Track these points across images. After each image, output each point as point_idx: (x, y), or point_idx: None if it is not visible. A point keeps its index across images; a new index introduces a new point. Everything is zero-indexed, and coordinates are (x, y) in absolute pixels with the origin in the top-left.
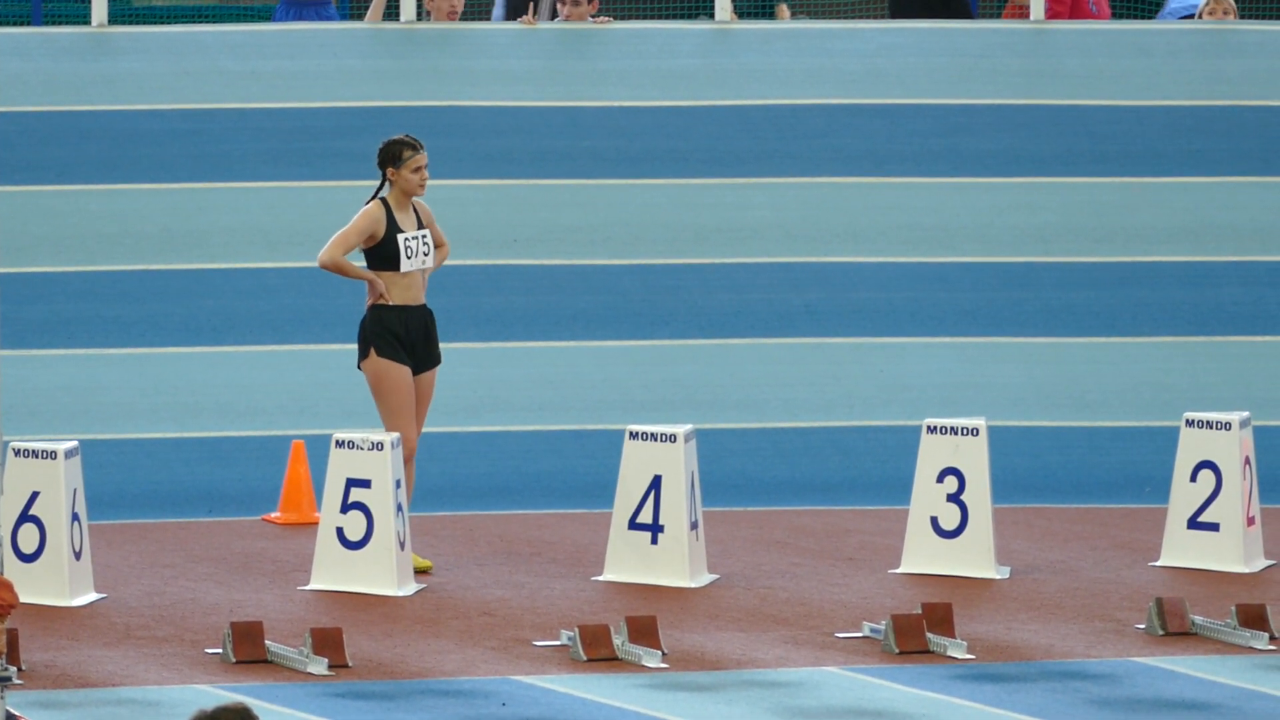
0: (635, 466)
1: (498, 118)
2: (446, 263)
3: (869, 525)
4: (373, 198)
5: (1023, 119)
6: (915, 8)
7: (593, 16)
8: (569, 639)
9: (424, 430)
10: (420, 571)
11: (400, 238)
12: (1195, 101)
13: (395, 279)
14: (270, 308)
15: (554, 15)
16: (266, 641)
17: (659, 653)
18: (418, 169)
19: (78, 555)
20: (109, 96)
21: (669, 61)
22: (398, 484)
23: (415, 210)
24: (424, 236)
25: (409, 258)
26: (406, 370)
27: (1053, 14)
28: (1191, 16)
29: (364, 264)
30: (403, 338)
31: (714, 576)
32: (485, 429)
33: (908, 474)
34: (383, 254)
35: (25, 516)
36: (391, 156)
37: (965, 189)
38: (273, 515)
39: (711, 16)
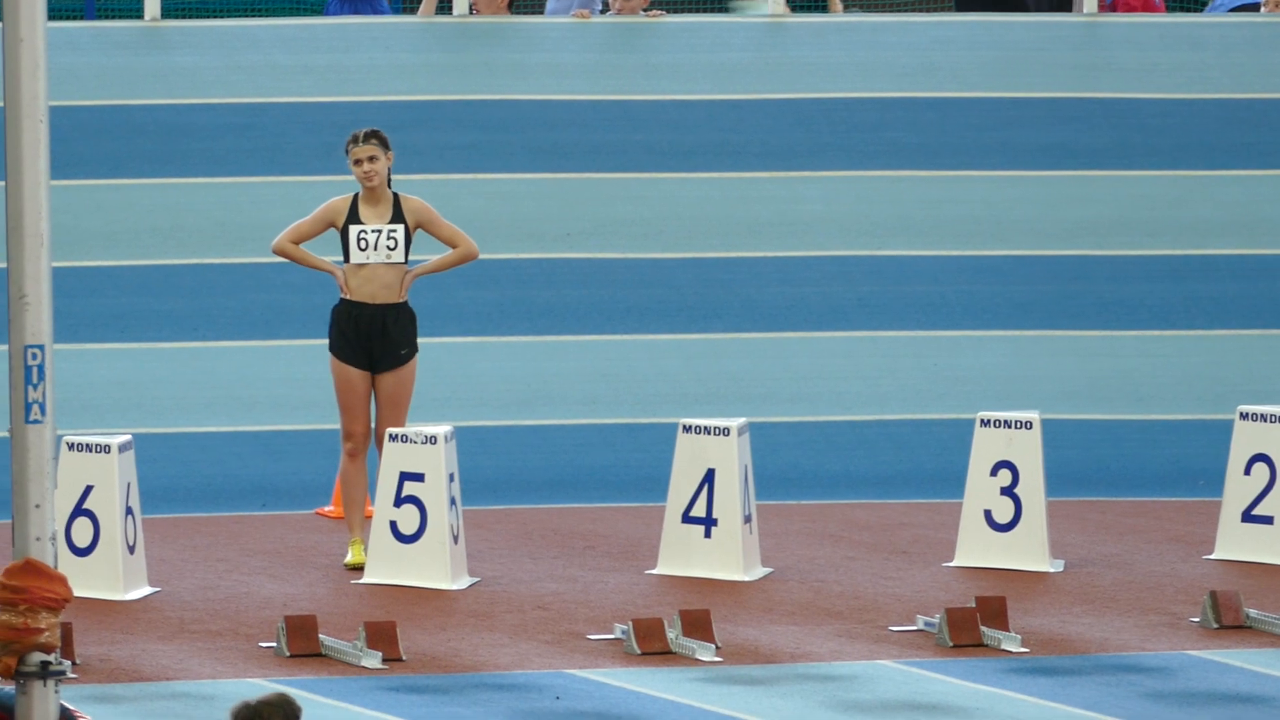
0: (688, 460)
1: (550, 111)
2: (498, 256)
3: (923, 519)
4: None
5: (1075, 112)
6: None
7: (645, 10)
8: (623, 632)
9: (475, 424)
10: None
11: (354, 229)
12: (1248, 94)
13: (352, 272)
14: (324, 301)
15: (605, 9)
16: (320, 635)
17: (713, 646)
18: (357, 161)
19: (131, 549)
20: (162, 91)
21: (722, 55)
22: (451, 477)
23: (399, 206)
24: (391, 231)
25: (361, 249)
26: (352, 371)
27: (1125, 6)
28: (1245, 8)
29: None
30: (351, 334)
31: (767, 570)
32: (538, 423)
33: (961, 467)
34: (343, 245)
35: (79, 510)
36: (345, 149)
37: (1018, 182)
38: (326, 509)
39: (765, 10)
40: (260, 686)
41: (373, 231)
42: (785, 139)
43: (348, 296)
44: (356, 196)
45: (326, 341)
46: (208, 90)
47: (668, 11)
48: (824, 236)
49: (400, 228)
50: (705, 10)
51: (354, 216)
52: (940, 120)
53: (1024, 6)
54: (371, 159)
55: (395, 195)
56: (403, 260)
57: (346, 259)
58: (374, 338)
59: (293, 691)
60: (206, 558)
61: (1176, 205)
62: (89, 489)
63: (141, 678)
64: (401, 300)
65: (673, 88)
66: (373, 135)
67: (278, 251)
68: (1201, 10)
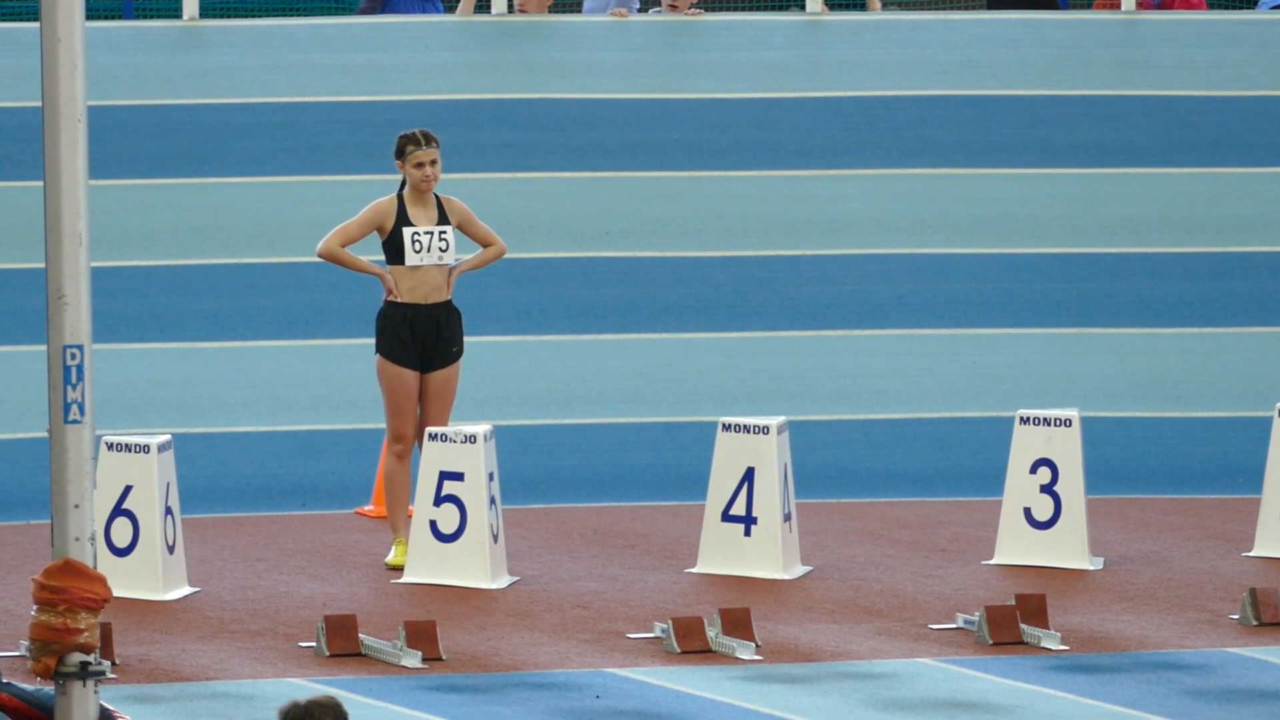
0: (728, 458)
1: (589, 110)
2: (537, 255)
3: (962, 516)
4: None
5: (1114, 110)
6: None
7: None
8: (663, 631)
9: (514, 423)
10: (395, 568)
11: (408, 231)
12: None
13: (404, 274)
14: (362, 301)
15: (644, 7)
16: (360, 635)
17: (753, 645)
18: (420, 164)
19: (171, 549)
20: (200, 90)
21: (760, 53)
22: (490, 476)
23: (441, 206)
24: (441, 232)
25: (416, 252)
26: (405, 373)
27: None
28: None
29: (383, 258)
30: (406, 336)
31: (807, 568)
32: (578, 421)
33: (1001, 465)
34: (391, 247)
35: (118, 510)
36: (398, 150)
37: (1057, 180)
38: (366, 508)
39: (803, 8)
40: (300, 686)
41: (425, 233)
42: (824, 137)
43: (397, 299)
44: (402, 198)
45: (372, 342)
46: (246, 90)
47: (706, 10)
48: (863, 234)
49: (450, 229)
50: (744, 9)
51: (404, 218)
52: (979, 118)
53: (1055, 4)
54: (433, 162)
55: (436, 196)
56: (453, 261)
57: (394, 261)
58: (428, 338)
59: (333, 691)
60: (246, 557)
61: (1215, 202)
62: (128, 489)
63: (181, 678)
64: (449, 299)
65: (711, 86)
66: (434, 138)
67: (325, 255)
68: (1245, 8)
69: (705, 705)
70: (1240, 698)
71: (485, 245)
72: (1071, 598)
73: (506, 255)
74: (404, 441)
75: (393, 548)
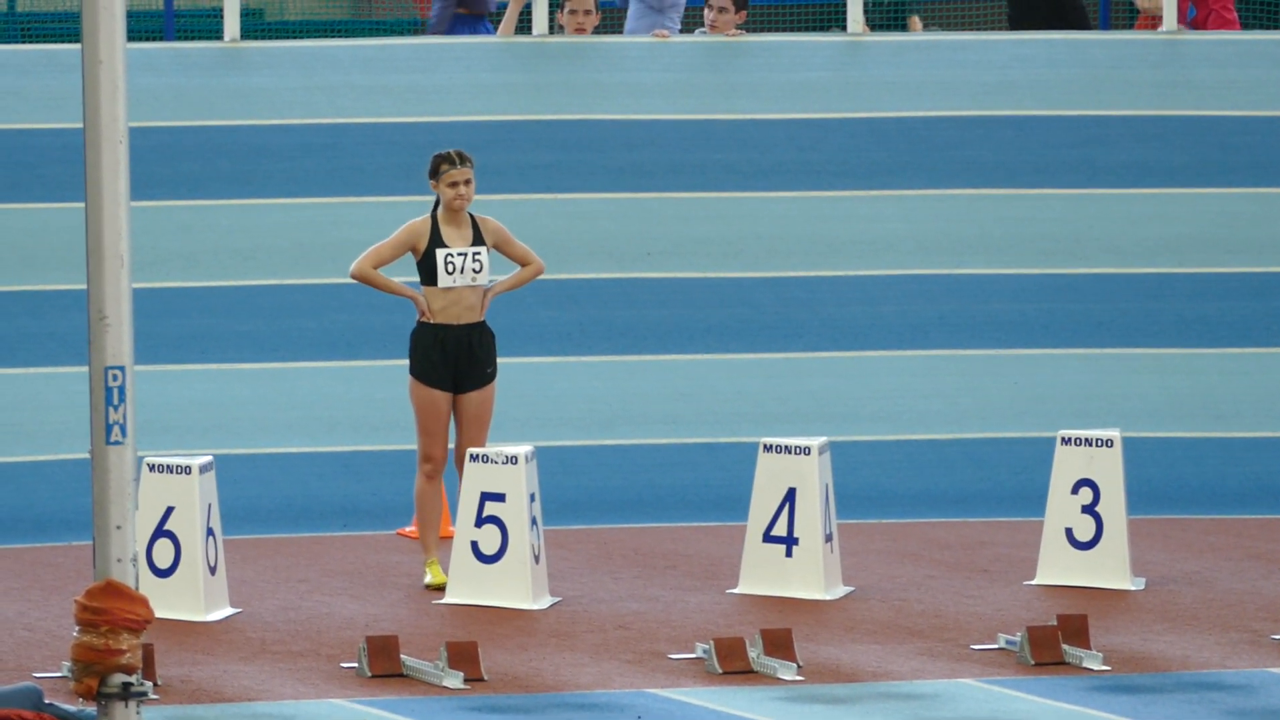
0: (769, 479)
1: (630, 131)
2: (578, 276)
3: (1003, 537)
4: (432, 210)
5: (1155, 130)
6: (1033, 21)
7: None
8: (704, 652)
9: (556, 444)
10: (435, 588)
11: (441, 253)
12: None
13: (437, 294)
14: (403, 321)
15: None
16: (402, 655)
17: (794, 665)
18: (453, 184)
19: (212, 570)
20: (241, 111)
21: (801, 74)
22: (532, 497)
23: (476, 226)
24: (475, 254)
25: (449, 273)
26: (436, 394)
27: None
28: None
29: (418, 279)
30: (437, 357)
31: (849, 589)
32: (619, 442)
33: (1042, 485)
34: (425, 268)
35: (160, 531)
36: (432, 169)
37: (1098, 200)
38: (407, 529)
39: (844, 29)
40: (341, 707)
41: (459, 254)
42: (865, 158)
43: (429, 320)
44: (435, 218)
45: (407, 364)
46: (287, 111)
47: (747, 31)
48: (904, 255)
49: (484, 249)
50: (785, 30)
51: (438, 240)
52: (1020, 138)
53: (1082, 21)
54: (467, 181)
55: (471, 216)
56: (486, 282)
57: (428, 282)
58: (461, 358)
59: (374, 713)
60: (288, 578)
61: (1256, 222)
62: (170, 510)
63: (223, 698)
64: (483, 319)
65: (752, 107)
66: (468, 157)
67: (357, 277)
68: None
69: None
70: None
71: (523, 264)
72: (1113, 618)
73: (547, 276)
74: (433, 462)
75: (426, 569)
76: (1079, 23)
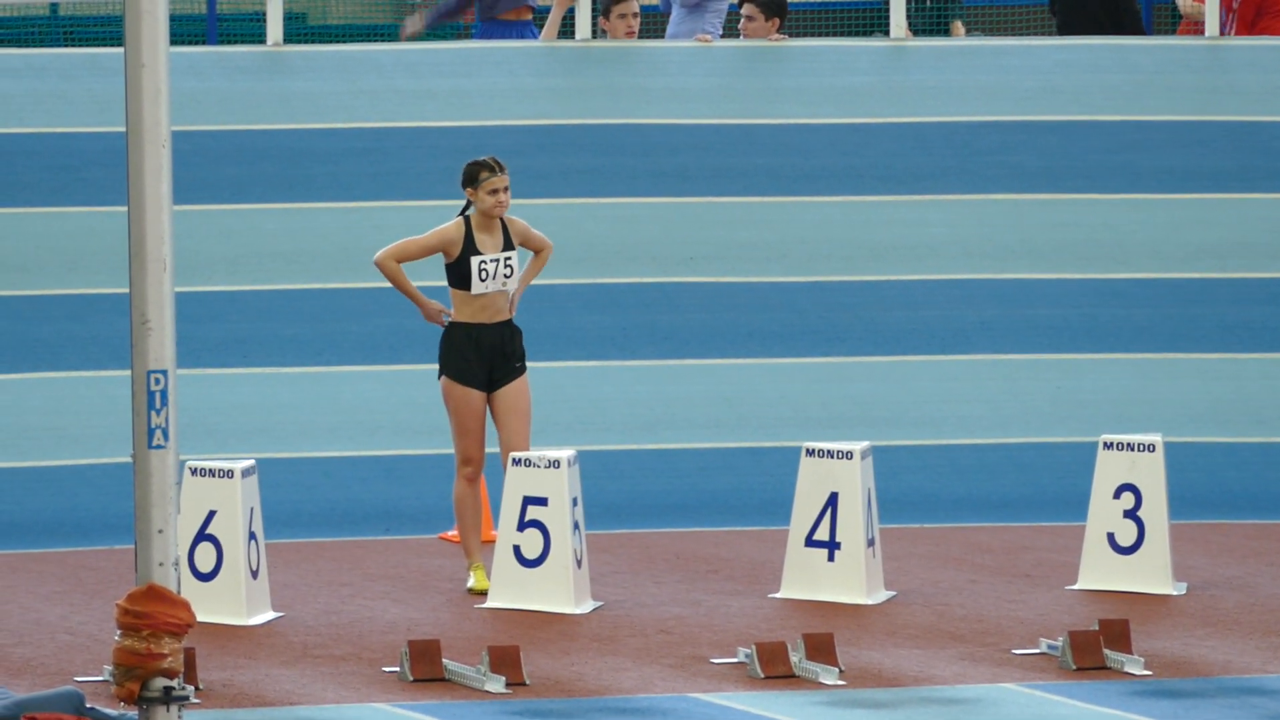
0: (812, 483)
1: (673, 135)
2: (621, 280)
3: (1045, 542)
4: (460, 214)
5: (1198, 135)
6: (1085, 26)
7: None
8: (746, 656)
9: (598, 448)
10: (478, 593)
11: (475, 260)
12: None
13: (467, 299)
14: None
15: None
16: (444, 660)
17: (836, 670)
18: (494, 191)
19: (254, 574)
20: (284, 115)
21: (844, 79)
22: (574, 501)
23: (505, 230)
24: (507, 259)
25: (482, 280)
26: (470, 392)
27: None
28: None
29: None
30: (472, 356)
31: (891, 593)
32: (662, 446)
33: (1084, 490)
34: (457, 273)
35: (202, 535)
36: (469, 177)
37: (1140, 205)
38: (449, 533)
39: (887, 34)
40: (384, 711)
41: (492, 261)
42: (908, 162)
43: (444, 324)
44: (469, 224)
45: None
46: (330, 115)
47: (790, 36)
48: (947, 260)
49: (514, 253)
50: (828, 34)
51: (472, 247)
52: (1063, 144)
53: (1136, 26)
54: (507, 189)
55: (500, 220)
56: (515, 285)
57: (459, 286)
58: (495, 356)
59: (416, 717)
60: (330, 582)
61: None
62: (212, 514)
63: (265, 703)
64: (511, 318)
65: (795, 111)
66: (504, 165)
67: (379, 265)
68: None
69: None
70: None
71: (537, 251)
72: (1155, 623)
73: (589, 280)
74: (473, 464)
75: (470, 573)
76: (1133, 27)
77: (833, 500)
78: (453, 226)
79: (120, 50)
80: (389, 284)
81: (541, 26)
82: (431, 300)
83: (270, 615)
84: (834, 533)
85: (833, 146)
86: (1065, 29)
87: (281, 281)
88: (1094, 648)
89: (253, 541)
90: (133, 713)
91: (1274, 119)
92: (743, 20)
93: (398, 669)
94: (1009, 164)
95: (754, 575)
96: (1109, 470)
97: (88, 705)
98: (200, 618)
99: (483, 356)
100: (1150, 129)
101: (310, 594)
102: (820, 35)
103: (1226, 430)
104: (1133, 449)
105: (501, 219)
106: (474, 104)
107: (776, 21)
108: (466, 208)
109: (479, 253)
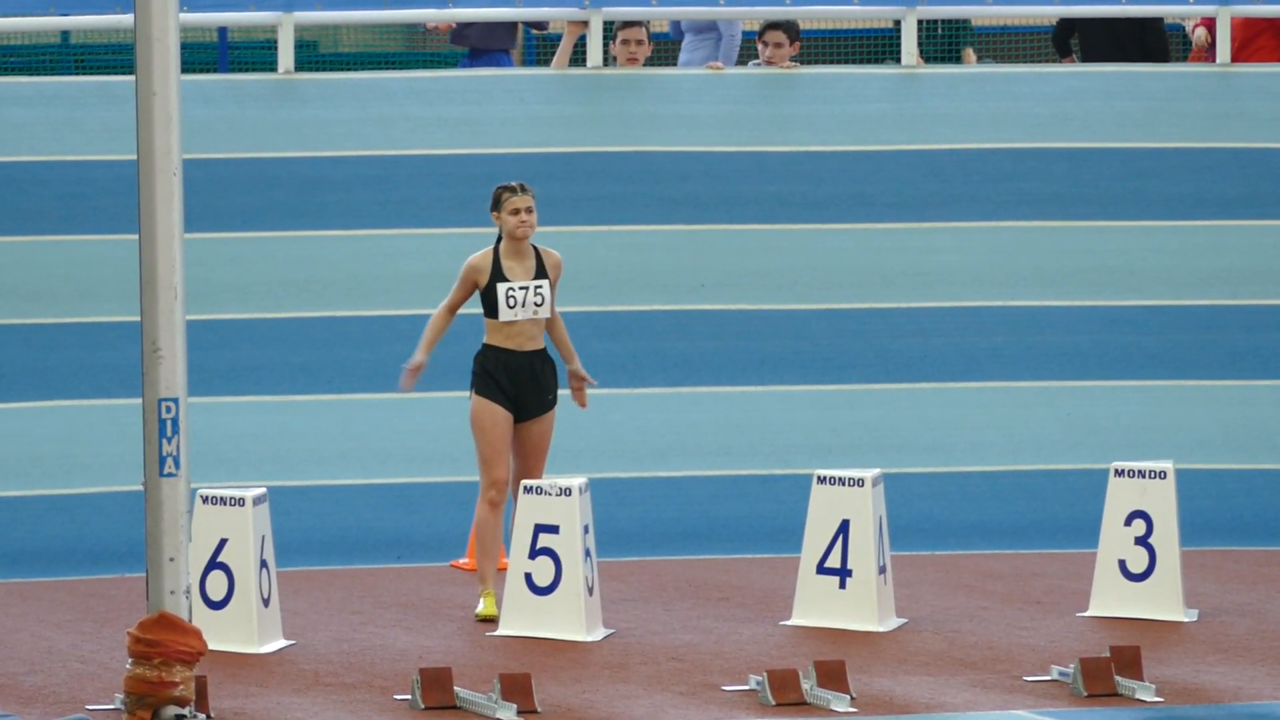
0: (823, 511)
1: (684, 163)
2: (632, 308)
3: (1056, 569)
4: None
5: (1208, 162)
6: (1108, 51)
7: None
8: (757, 684)
9: (609, 475)
10: (486, 620)
11: (502, 287)
12: None
13: (498, 327)
14: (457, 353)
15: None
16: (455, 687)
17: (848, 697)
18: (515, 211)
19: (266, 602)
20: (295, 143)
21: (855, 106)
22: (585, 529)
23: (539, 259)
24: (538, 287)
25: (510, 307)
26: (499, 411)
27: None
28: None
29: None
30: (502, 378)
31: (902, 620)
32: (673, 474)
33: (1095, 517)
34: (487, 300)
35: (213, 564)
36: (494, 201)
37: (1151, 232)
38: (461, 561)
39: (898, 61)
40: None
41: (520, 289)
42: (918, 190)
43: (485, 344)
44: (497, 251)
45: (466, 394)
46: (341, 143)
47: (801, 63)
48: (957, 287)
49: (545, 283)
50: (839, 62)
51: (499, 274)
52: (1073, 171)
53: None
54: (530, 210)
55: (535, 248)
56: (548, 315)
57: (491, 314)
58: (524, 383)
59: None
60: (341, 610)
61: None
62: (223, 542)
63: None
64: (544, 347)
65: (806, 139)
66: (529, 187)
67: (432, 323)
68: None
69: None
70: None
71: (551, 315)
72: (1166, 649)
73: (601, 308)
74: (498, 486)
75: (480, 599)
76: (1159, 53)
77: (844, 527)
78: (479, 256)
79: (131, 78)
80: (403, 312)
81: (519, 57)
82: (419, 359)
83: (282, 643)
84: (845, 560)
85: (844, 173)
86: (1089, 54)
87: (293, 309)
88: (1105, 674)
89: (264, 569)
90: None
91: None
92: (770, 49)
93: (409, 697)
94: (1020, 191)
95: (765, 602)
96: (1120, 497)
97: None
98: (212, 646)
99: (511, 380)
100: (1161, 156)
101: (322, 622)
102: (831, 62)
103: (1238, 457)
104: (1144, 476)
105: (537, 250)
106: (485, 131)
107: (797, 46)
108: (500, 238)
109: (506, 279)
